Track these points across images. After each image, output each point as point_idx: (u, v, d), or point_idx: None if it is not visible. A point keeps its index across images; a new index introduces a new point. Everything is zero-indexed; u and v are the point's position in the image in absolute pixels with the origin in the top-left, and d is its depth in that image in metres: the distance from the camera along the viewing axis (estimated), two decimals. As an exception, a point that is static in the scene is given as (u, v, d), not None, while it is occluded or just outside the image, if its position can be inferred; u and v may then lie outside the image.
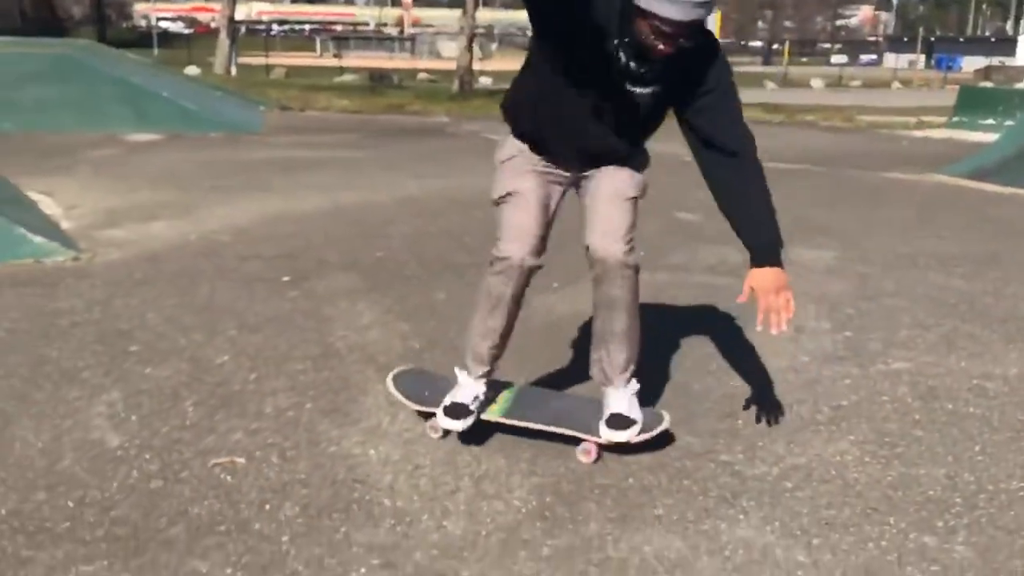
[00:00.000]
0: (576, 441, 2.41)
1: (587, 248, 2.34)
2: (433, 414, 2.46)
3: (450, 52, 47.36)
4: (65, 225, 5.13)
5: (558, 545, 1.99)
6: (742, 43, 64.44)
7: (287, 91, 16.61)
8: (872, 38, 76.16)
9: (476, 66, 21.99)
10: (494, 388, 2.56)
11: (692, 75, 2.18)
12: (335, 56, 41.50)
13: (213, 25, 68.41)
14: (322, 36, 60.53)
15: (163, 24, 63.75)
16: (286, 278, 4.12)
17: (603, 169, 2.37)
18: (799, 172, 8.45)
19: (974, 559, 1.99)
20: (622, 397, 2.43)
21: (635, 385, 2.46)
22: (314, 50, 54.22)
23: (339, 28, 76.48)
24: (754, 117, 15.05)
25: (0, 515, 2.01)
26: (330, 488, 2.19)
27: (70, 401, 2.65)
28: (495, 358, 2.49)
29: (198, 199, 6.02)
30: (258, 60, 29.62)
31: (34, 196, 5.90)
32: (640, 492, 2.24)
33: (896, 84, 34.56)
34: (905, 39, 61.27)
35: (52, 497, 2.10)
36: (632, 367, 2.46)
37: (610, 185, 2.35)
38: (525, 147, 2.39)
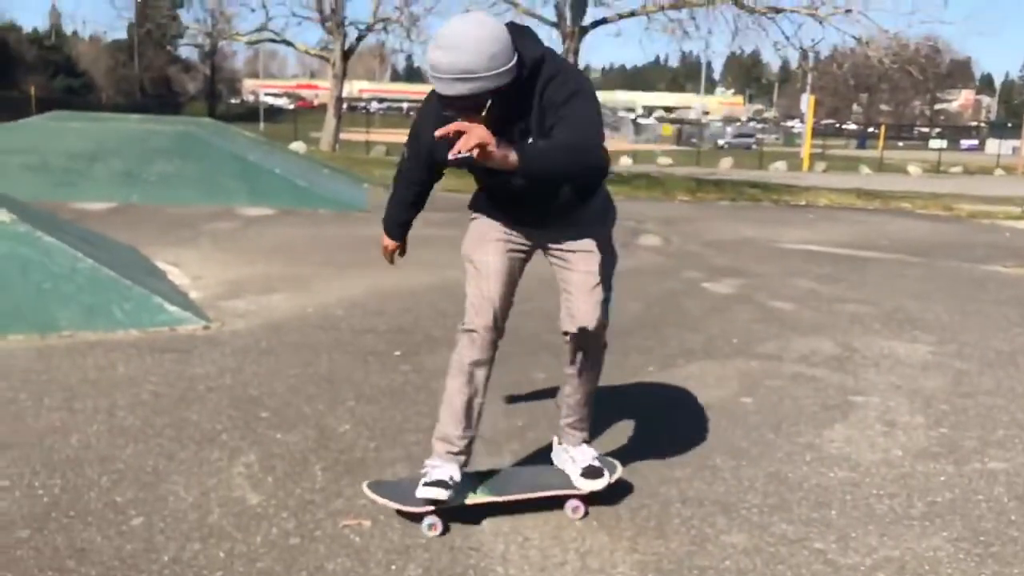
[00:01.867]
0: (560, 504, 2.64)
1: (564, 332, 2.57)
2: (418, 514, 2.50)
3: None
4: (193, 295, 5.57)
5: (660, 620, 2.14)
6: (837, 126, 64.00)
7: (390, 169, 17.35)
8: (973, 123, 74.68)
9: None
10: (474, 477, 2.65)
11: (545, 101, 2.27)
12: (431, 133, 42.89)
13: (315, 102, 71.96)
14: (419, 113, 62.63)
15: (268, 99, 67.32)
16: (398, 352, 4.40)
17: (571, 258, 2.52)
18: (894, 262, 8.43)
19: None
20: (587, 452, 2.72)
21: (587, 439, 2.77)
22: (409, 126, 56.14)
23: (435, 106, 78.98)
24: (847, 203, 15.04)
25: (164, 561, 2.28)
26: (448, 554, 2.39)
27: (212, 461, 2.94)
28: (466, 440, 2.57)
29: (312, 273, 6.44)
30: (359, 136, 31.05)
31: (163, 266, 6.40)
32: (736, 575, 2.37)
33: (999, 171, 33.71)
34: (1009, 124, 59.81)
35: (205, 548, 2.36)
36: (589, 427, 2.77)
37: (581, 270, 2.52)
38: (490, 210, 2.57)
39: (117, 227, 7.51)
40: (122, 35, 59.17)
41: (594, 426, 3.37)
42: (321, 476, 2.86)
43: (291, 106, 66.84)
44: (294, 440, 3.16)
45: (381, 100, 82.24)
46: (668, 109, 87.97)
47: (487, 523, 2.59)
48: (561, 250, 2.55)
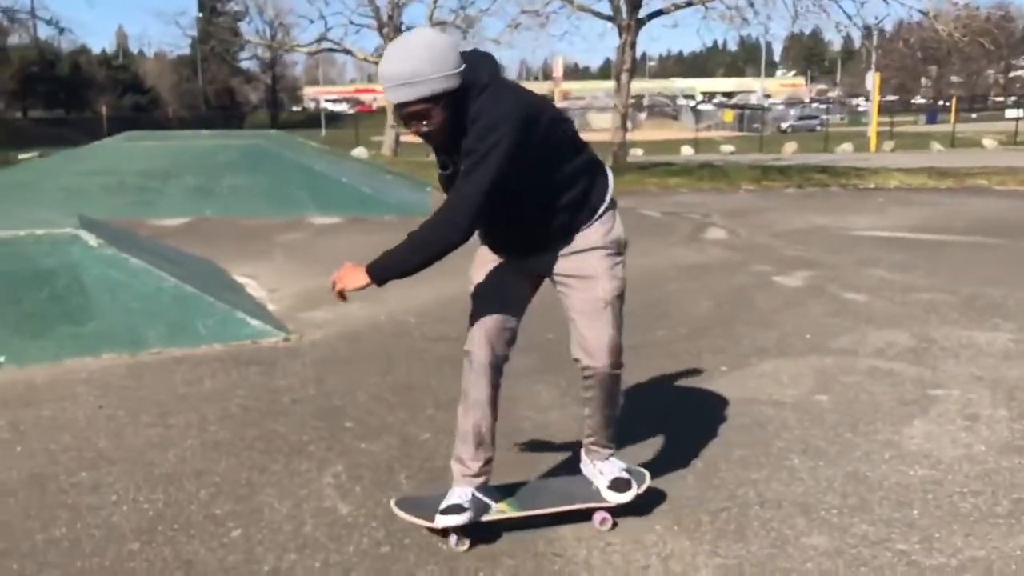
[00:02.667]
0: (587, 516, 2.65)
1: (575, 359, 2.57)
2: (443, 530, 2.51)
3: (600, 124, 48.37)
4: (271, 307, 5.76)
5: (744, 623, 2.17)
6: (906, 102, 62.15)
7: (449, 170, 17.54)
8: (1051, 90, 71.62)
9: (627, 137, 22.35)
10: (496, 491, 2.66)
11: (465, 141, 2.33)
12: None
13: (374, 105, 72.86)
14: (477, 112, 63.03)
15: (328, 106, 68.52)
16: (470, 359, 4.49)
17: (573, 283, 2.49)
18: (971, 245, 8.21)
19: None
20: (614, 465, 2.70)
21: (615, 452, 2.73)
22: (469, 125, 56.56)
23: (492, 103, 79.44)
24: (918, 184, 14.65)
25: (264, 572, 2.41)
26: (532, 560, 2.47)
27: (302, 472, 3.07)
28: (479, 461, 2.57)
29: (382, 281, 6.58)
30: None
31: (241, 279, 6.63)
32: (819, 577, 2.38)
33: (1080, 140, 32.33)
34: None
35: (302, 558, 2.48)
36: (615, 440, 2.73)
37: (582, 298, 2.48)
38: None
39: (194, 242, 7.79)
40: (186, 51, 60.80)
41: (670, 429, 3.43)
42: (406, 484, 2.96)
43: (351, 111, 67.98)
44: (378, 450, 3.27)
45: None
46: (728, 94, 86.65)
47: (569, 529, 2.65)
48: (562, 276, 2.51)
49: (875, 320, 5.19)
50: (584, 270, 2.47)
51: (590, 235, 2.48)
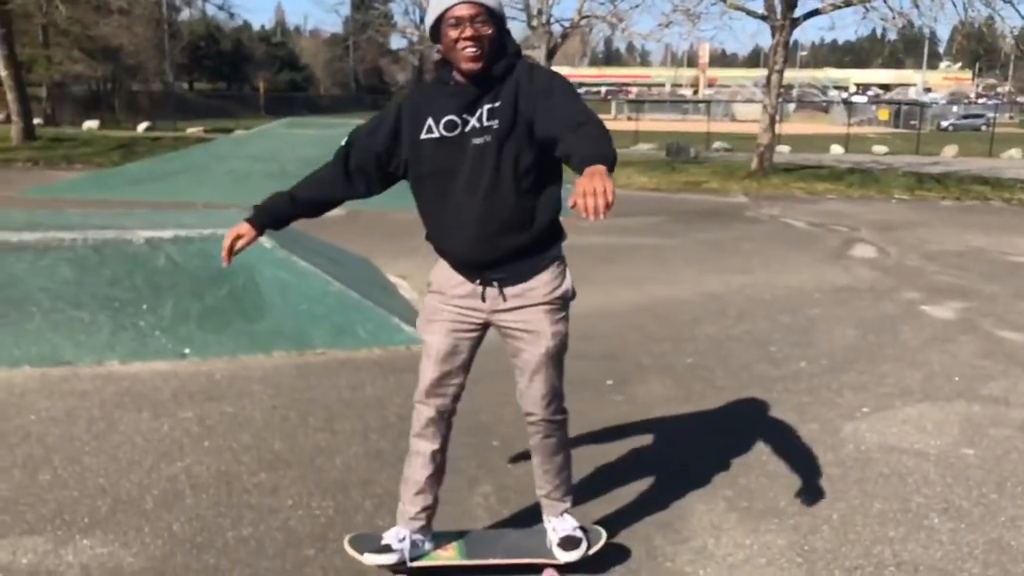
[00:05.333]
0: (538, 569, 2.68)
1: (521, 407, 2.66)
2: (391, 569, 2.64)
3: (746, 115, 47.14)
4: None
5: None
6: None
7: (590, 165, 17.64)
8: None
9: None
10: (445, 537, 2.76)
11: (521, 96, 2.34)
12: (629, 119, 42.85)
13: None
14: (617, 98, 62.76)
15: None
16: (610, 381, 4.66)
17: (522, 336, 2.51)
18: None
19: None
20: (567, 522, 2.74)
21: (569, 508, 2.78)
22: (609, 111, 56.38)
23: (634, 90, 78.76)
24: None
25: (424, 588, 2.66)
26: (669, 602, 2.62)
27: (455, 489, 3.31)
28: (417, 506, 2.67)
29: (525, 288, 6.81)
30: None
31: (394, 279, 7.00)
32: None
33: None
34: None
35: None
36: (570, 495, 2.79)
37: (527, 352, 2.54)
38: (446, 268, 2.56)
39: (351, 235, 8.24)
40: (339, 30, 63.21)
41: (807, 474, 3.48)
42: (550, 513, 3.15)
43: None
44: (522, 472, 3.48)
45: (580, 85, 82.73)
46: (884, 87, 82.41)
47: (702, 572, 2.77)
48: (509, 328, 2.55)
49: (1032, 366, 5.01)
50: (530, 324, 2.52)
51: (538, 288, 2.51)
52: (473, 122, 2.37)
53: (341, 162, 2.55)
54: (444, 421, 2.65)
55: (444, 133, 2.39)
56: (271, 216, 2.65)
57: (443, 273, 2.58)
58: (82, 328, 4.76)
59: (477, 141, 2.37)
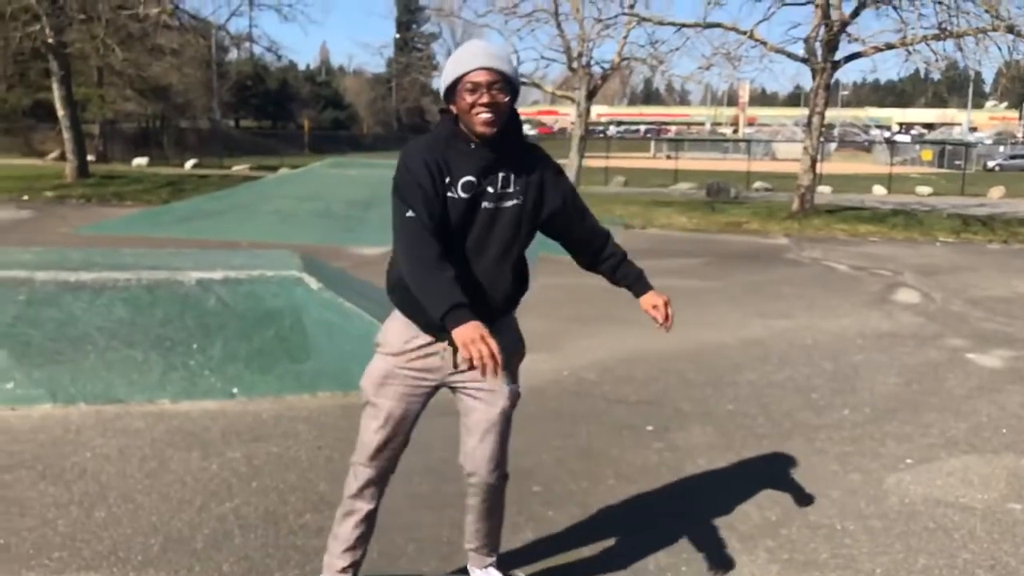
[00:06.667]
0: None
1: (462, 466, 2.66)
2: None
3: (786, 153, 46.94)
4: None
5: None
6: None
7: (629, 207, 17.77)
8: None
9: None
10: None
11: (547, 186, 2.51)
12: (668, 157, 42.95)
13: (555, 127, 74.02)
14: (656, 137, 63.03)
15: (513, 127, 70.19)
16: (650, 427, 4.67)
17: (478, 395, 2.55)
18: None
19: None
20: (491, 574, 2.82)
21: (494, 562, 2.83)
22: (648, 150, 56.59)
23: (673, 129, 78.96)
24: None
25: (466, 635, 2.69)
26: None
27: (496, 535, 3.35)
28: (344, 561, 2.69)
29: (564, 329, 6.87)
30: (598, 162, 31.79)
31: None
32: None
33: None
34: None
35: (498, 625, 2.75)
36: (497, 549, 2.86)
37: (482, 412, 2.56)
38: (402, 327, 2.52)
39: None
40: (382, 69, 64.40)
41: (850, 526, 3.46)
42: (588, 560, 3.17)
43: (532, 131, 69.48)
44: (563, 519, 3.51)
45: (619, 124, 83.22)
46: (928, 126, 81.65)
47: (746, 628, 2.77)
48: (469, 385, 2.56)
49: (1082, 419, 4.92)
50: (490, 384, 2.51)
51: (505, 348, 2.51)
52: (487, 187, 2.42)
53: (434, 242, 2.32)
54: (384, 481, 2.68)
55: (461, 194, 2.40)
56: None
57: (399, 332, 2.54)
58: (135, 367, 4.91)
59: (488, 205, 2.42)
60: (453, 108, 2.41)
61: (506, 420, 2.60)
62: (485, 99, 2.33)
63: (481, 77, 2.33)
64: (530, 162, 2.49)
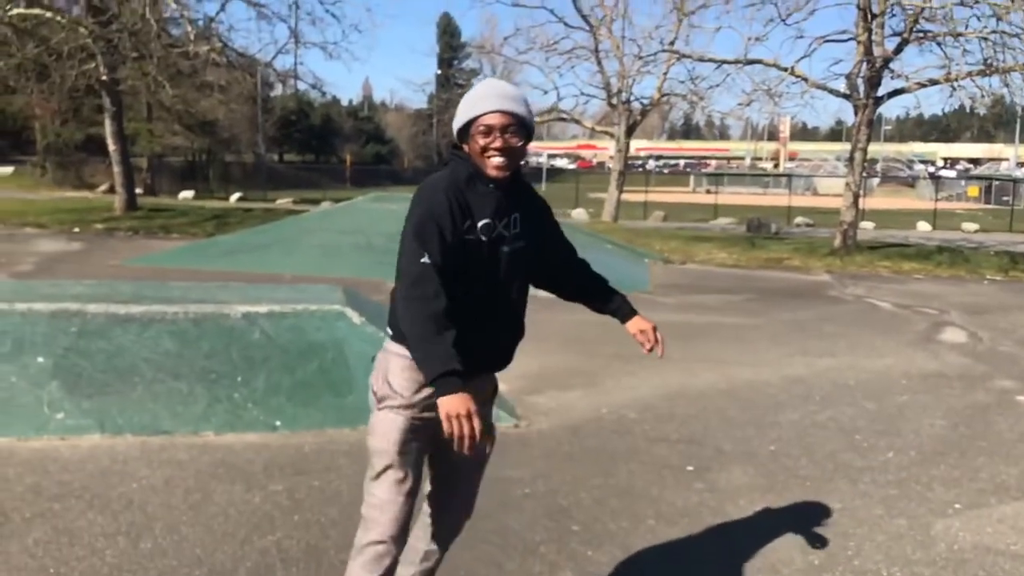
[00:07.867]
0: None
1: (434, 515, 2.62)
2: None
3: (828, 188, 46.56)
4: (501, 387, 6.16)
5: None
6: None
7: (668, 242, 17.71)
8: None
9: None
10: None
11: (545, 225, 2.57)
12: (708, 192, 42.82)
13: (594, 161, 74.32)
14: (696, 172, 62.95)
15: (551, 161, 70.85)
16: (690, 467, 4.63)
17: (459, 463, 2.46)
18: None
19: None
20: None
21: None
22: (687, 184, 56.48)
23: (712, 163, 78.80)
24: None
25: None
26: None
27: (536, 574, 3.35)
28: None
29: (603, 367, 6.85)
30: (638, 196, 31.80)
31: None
32: None
33: None
34: None
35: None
36: None
37: (468, 467, 2.55)
38: (408, 373, 2.38)
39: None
40: (423, 105, 65.28)
41: (892, 568, 3.39)
42: (630, 603, 3.16)
43: (572, 166, 69.90)
44: (603, 560, 3.49)
45: (658, 158, 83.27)
46: (974, 161, 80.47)
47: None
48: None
49: None
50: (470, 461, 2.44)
51: (488, 384, 2.58)
52: (501, 229, 2.38)
53: (443, 294, 2.23)
54: (396, 562, 2.46)
55: (481, 236, 2.34)
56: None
57: (411, 380, 2.38)
58: (180, 399, 5.00)
59: (505, 248, 2.38)
60: (466, 148, 2.38)
61: (486, 463, 2.68)
62: (498, 143, 2.30)
63: (495, 120, 2.30)
64: (528, 201, 2.50)
